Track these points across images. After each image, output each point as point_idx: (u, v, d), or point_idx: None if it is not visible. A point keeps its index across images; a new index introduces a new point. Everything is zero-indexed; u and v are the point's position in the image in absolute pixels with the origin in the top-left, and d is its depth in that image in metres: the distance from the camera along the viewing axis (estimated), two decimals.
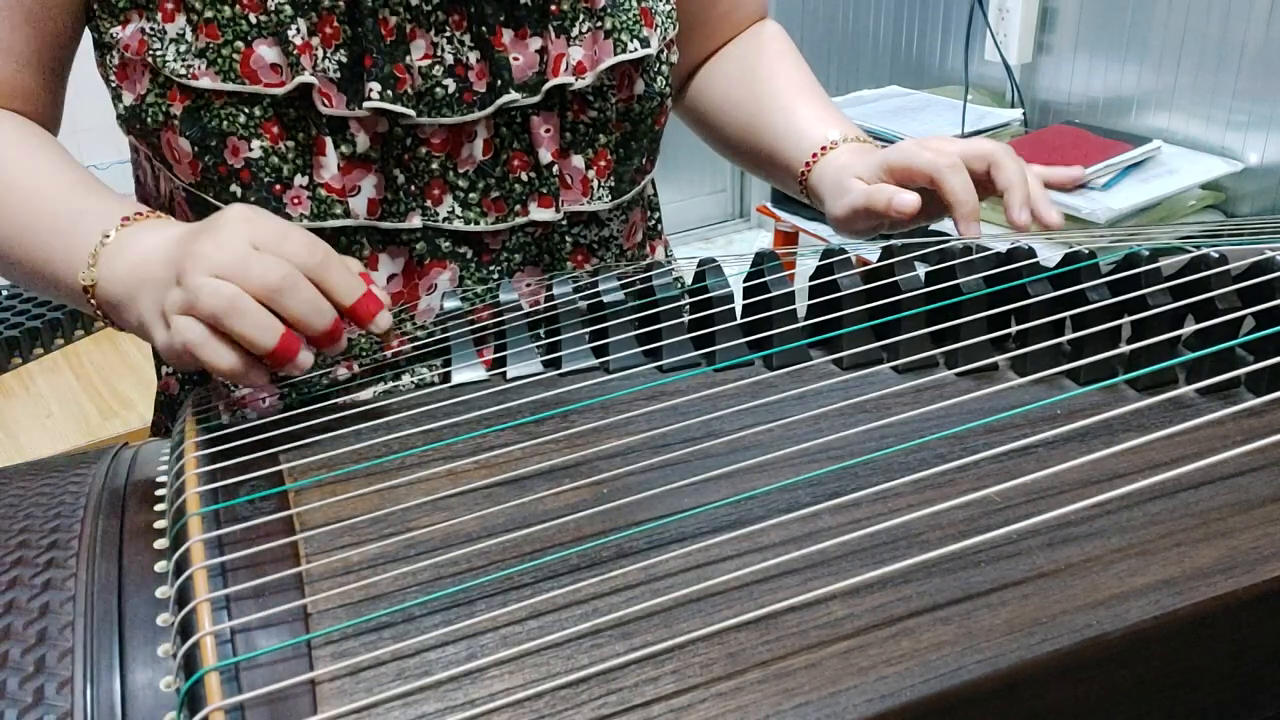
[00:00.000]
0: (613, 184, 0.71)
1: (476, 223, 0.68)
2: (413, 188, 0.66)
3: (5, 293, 1.67)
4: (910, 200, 0.67)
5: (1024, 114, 1.90)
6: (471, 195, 0.67)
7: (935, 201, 0.69)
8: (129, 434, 1.38)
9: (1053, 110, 1.93)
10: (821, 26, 2.39)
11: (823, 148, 0.77)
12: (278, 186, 0.63)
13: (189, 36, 0.60)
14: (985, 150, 0.68)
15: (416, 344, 0.69)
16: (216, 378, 0.51)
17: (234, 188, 0.63)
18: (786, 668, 0.36)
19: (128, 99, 0.63)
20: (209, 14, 0.60)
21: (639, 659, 0.36)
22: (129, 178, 0.74)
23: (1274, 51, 1.58)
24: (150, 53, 0.61)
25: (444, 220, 0.67)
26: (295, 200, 0.63)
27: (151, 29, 0.61)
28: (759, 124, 0.82)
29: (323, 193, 0.63)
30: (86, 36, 0.68)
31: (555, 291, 0.59)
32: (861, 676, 0.36)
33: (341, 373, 0.70)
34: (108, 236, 0.56)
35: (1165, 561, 0.41)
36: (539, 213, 0.68)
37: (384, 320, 0.52)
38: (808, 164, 0.77)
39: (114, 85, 0.64)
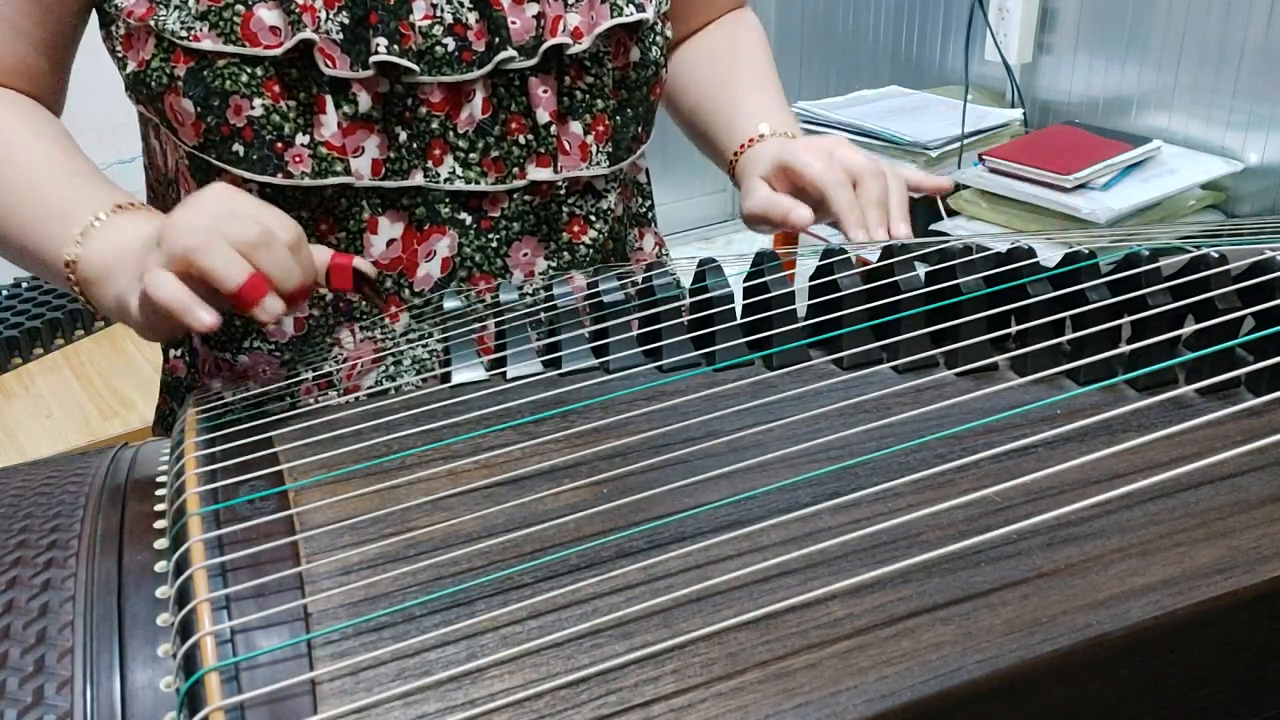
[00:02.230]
0: (610, 150, 0.72)
1: (477, 182, 0.69)
2: (415, 145, 0.67)
3: (5, 293, 1.67)
4: (805, 217, 0.72)
5: (1024, 114, 1.90)
6: (471, 155, 0.68)
7: (824, 205, 0.73)
8: (129, 434, 1.38)
9: (1053, 110, 1.93)
10: (821, 26, 2.39)
11: (750, 139, 0.80)
12: (279, 144, 0.64)
13: (191, 1, 0.61)
14: (855, 170, 0.72)
15: (413, 312, 0.69)
16: (166, 316, 0.53)
17: (236, 146, 0.64)
18: (786, 668, 0.36)
19: (132, 66, 0.64)
20: None
21: (639, 659, 0.36)
22: (129, 178, 0.75)
23: (1274, 51, 1.58)
24: (155, 18, 0.62)
25: (445, 180, 0.68)
26: (296, 159, 0.64)
27: None
28: (707, 108, 0.85)
29: (323, 150, 0.64)
30: (87, 36, 0.69)
31: (555, 292, 0.59)
32: (861, 676, 0.36)
33: (345, 336, 0.70)
34: (99, 218, 0.59)
35: (1165, 561, 0.41)
36: (537, 172, 0.69)
37: (281, 317, 0.54)
38: (735, 154, 0.81)
39: (119, 55, 0.65)
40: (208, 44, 0.61)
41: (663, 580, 0.40)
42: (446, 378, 0.56)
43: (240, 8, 0.61)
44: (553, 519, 0.43)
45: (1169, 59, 1.72)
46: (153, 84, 0.63)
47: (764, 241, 2.79)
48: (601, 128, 0.71)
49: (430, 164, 0.68)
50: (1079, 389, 0.50)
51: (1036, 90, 1.95)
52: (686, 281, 0.58)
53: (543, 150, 0.69)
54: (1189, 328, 0.52)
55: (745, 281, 0.57)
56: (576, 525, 0.43)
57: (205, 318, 0.51)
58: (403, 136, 0.66)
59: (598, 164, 0.72)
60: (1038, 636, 0.38)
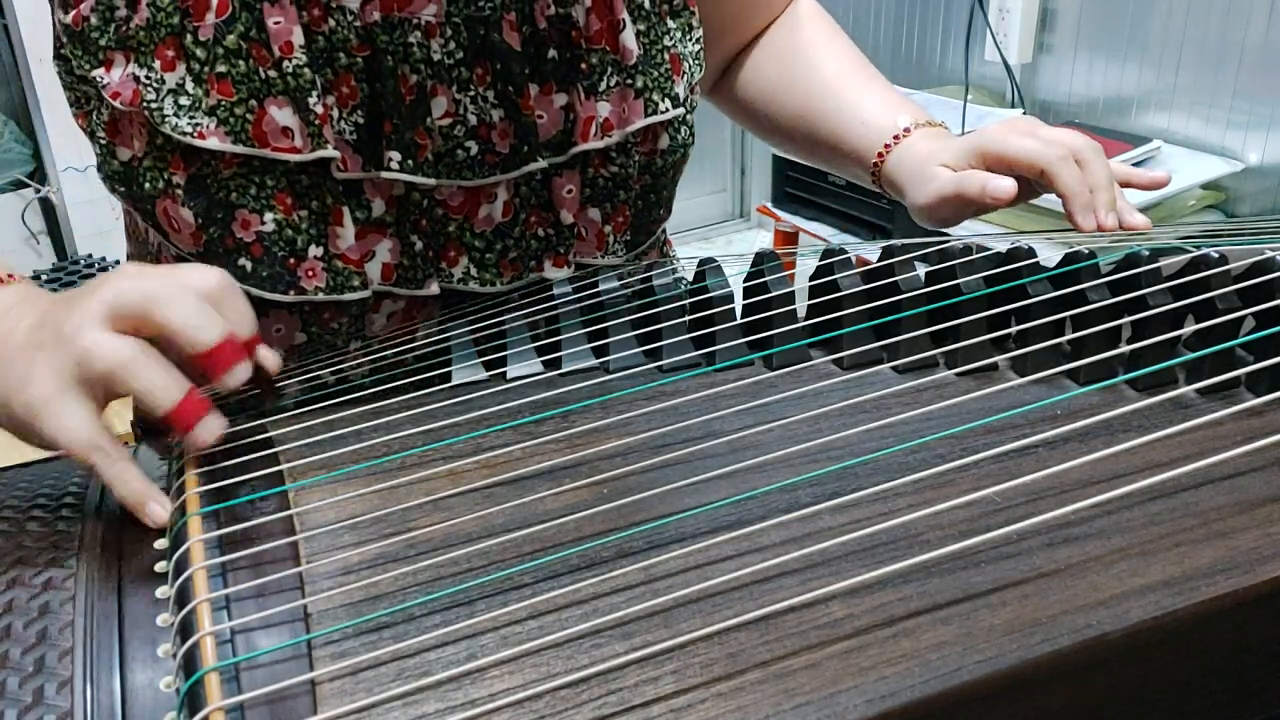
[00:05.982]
0: (629, 238, 0.69)
1: (492, 284, 0.65)
2: (430, 254, 0.63)
3: None
4: (1007, 186, 0.66)
5: (1024, 114, 1.90)
6: (488, 256, 0.64)
7: (1023, 185, 0.68)
8: (129, 434, 1.37)
9: (1053, 110, 1.93)
10: None
11: (895, 136, 0.75)
12: (291, 260, 0.59)
13: (190, 88, 0.55)
14: (1075, 146, 0.67)
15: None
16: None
17: (242, 261, 0.59)
18: (786, 668, 0.36)
19: (123, 156, 0.58)
20: (221, 68, 0.55)
21: (639, 659, 0.36)
22: None
23: (1274, 51, 1.58)
24: (145, 104, 0.55)
25: (459, 281, 0.64)
26: (310, 273, 0.60)
27: (148, 77, 0.55)
28: (815, 112, 0.80)
29: (339, 264, 0.60)
30: None
31: (555, 291, 0.59)
32: (861, 677, 0.36)
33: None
34: None
35: (1165, 562, 0.41)
36: (553, 271, 0.66)
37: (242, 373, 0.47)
38: (880, 154, 0.75)
39: (104, 142, 0.58)
40: (214, 142, 0.55)
41: (663, 580, 0.40)
42: (447, 378, 0.56)
43: (254, 103, 0.55)
44: (553, 519, 0.43)
45: (1169, 59, 1.72)
46: (146, 185, 0.57)
47: (764, 241, 2.78)
48: (622, 218, 0.67)
49: (445, 265, 0.64)
50: (1079, 389, 0.50)
51: (1036, 90, 1.95)
52: (687, 281, 0.58)
53: (561, 249, 0.66)
54: (1189, 328, 0.52)
55: (745, 281, 0.57)
56: (576, 525, 0.43)
57: (159, 515, 0.44)
58: (419, 245, 0.62)
59: (614, 253, 0.68)
60: (1038, 636, 0.37)
